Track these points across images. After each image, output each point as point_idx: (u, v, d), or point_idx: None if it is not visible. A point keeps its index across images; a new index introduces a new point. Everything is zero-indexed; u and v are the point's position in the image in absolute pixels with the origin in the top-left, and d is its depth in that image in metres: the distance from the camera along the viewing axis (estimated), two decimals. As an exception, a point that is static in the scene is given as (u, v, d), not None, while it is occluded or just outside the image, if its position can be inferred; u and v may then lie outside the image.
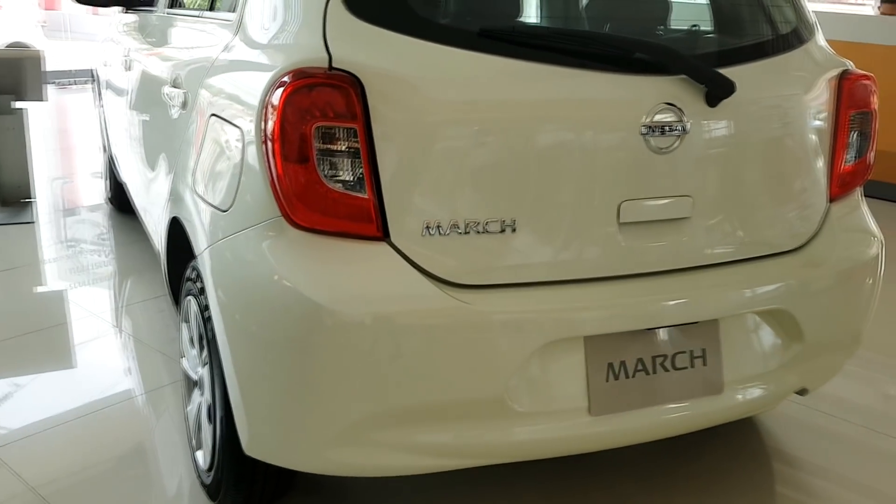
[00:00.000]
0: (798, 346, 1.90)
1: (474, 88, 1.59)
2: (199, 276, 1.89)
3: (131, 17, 3.29)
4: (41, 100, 4.25)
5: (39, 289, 3.43)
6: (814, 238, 1.96)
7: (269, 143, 1.53)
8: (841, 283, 1.94)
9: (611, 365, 1.70)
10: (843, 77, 1.98)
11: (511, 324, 1.59)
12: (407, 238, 1.56)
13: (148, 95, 2.50)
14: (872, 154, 2.08)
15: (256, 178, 1.57)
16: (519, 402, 1.62)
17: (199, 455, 2.05)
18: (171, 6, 2.65)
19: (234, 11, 1.91)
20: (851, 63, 2.04)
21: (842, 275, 1.94)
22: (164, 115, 2.21)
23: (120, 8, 3.51)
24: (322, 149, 1.52)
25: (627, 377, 1.71)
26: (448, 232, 1.58)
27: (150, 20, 2.86)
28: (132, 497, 2.06)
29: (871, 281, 2.00)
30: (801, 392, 2.02)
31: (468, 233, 1.59)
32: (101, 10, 3.80)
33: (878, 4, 5.36)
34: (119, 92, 3.22)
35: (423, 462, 1.65)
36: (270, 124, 1.52)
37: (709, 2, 2.03)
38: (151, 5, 3.02)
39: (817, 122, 1.93)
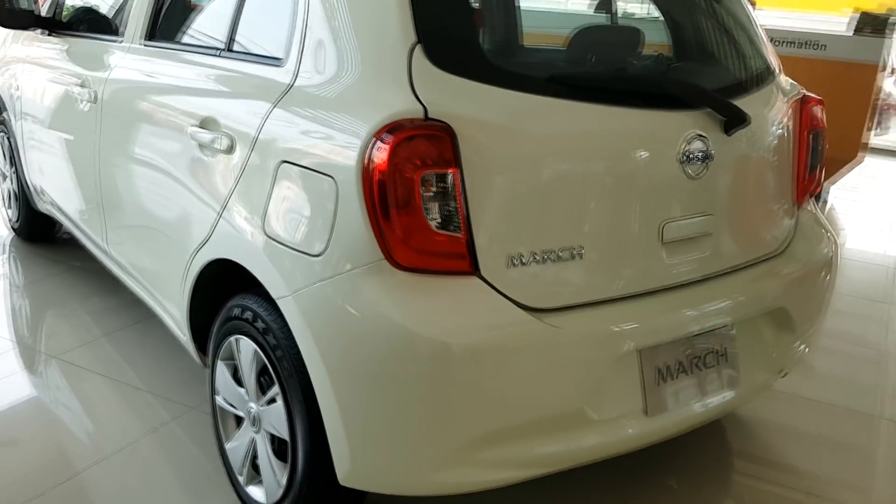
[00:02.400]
0: (789, 336, 2.23)
1: (543, 129, 1.76)
2: (257, 316, 1.93)
3: (76, 44, 3.13)
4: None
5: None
6: (791, 240, 2.29)
7: (375, 193, 1.62)
8: (816, 275, 2.29)
9: (659, 370, 1.93)
10: (802, 101, 2.32)
11: (591, 340, 1.78)
12: (494, 270, 1.71)
13: (148, 135, 2.42)
14: (822, 165, 2.45)
15: (356, 224, 1.65)
16: (595, 411, 1.82)
17: (256, 490, 2.08)
18: (150, 38, 2.56)
19: (280, 57, 1.93)
20: (804, 88, 2.40)
21: (816, 268, 2.28)
22: (186, 156, 2.18)
23: (39, 30, 3.33)
24: (425, 194, 1.63)
25: (673, 378, 1.95)
26: (529, 262, 1.74)
27: (116, 50, 2.73)
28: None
29: (833, 269, 2.37)
30: (783, 374, 2.35)
31: (545, 261, 1.76)
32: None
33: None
34: (63, 124, 3.05)
35: (515, 474, 1.79)
36: (375, 175, 1.61)
37: (711, 43, 2.30)
38: (106, 33, 2.90)
39: (788, 141, 2.25)
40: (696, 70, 2.21)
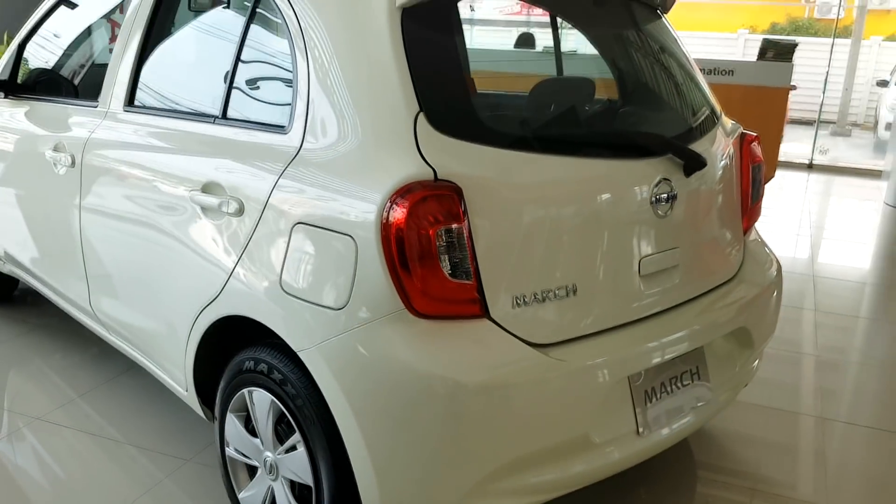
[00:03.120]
0: (749, 352, 2.47)
1: (534, 181, 1.95)
2: (273, 368, 2.05)
3: (40, 107, 3.16)
4: None
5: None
6: (742, 265, 2.54)
7: (393, 249, 1.77)
8: (768, 295, 2.55)
9: (646, 392, 2.13)
10: (743, 138, 2.59)
11: (592, 369, 1.97)
12: (502, 312, 1.88)
13: (138, 199, 2.48)
14: (762, 195, 2.72)
15: (376, 278, 1.79)
16: (597, 435, 2.00)
17: (277, 534, 2.18)
18: (130, 103, 2.63)
19: (283, 125, 2.06)
20: (741, 126, 2.67)
21: (767, 289, 2.54)
22: (187, 219, 2.26)
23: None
24: (439, 248, 1.79)
25: (658, 399, 2.16)
26: (531, 301, 1.92)
27: (93, 114, 2.79)
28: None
29: (780, 288, 2.63)
30: (745, 385, 2.60)
31: (544, 300, 1.94)
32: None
33: None
34: (33, 187, 3.07)
35: (530, 500, 1.96)
36: (394, 233, 1.76)
37: (664, 96, 2.54)
38: (73, 96, 2.94)
39: (733, 176, 2.51)
40: (656, 119, 2.45)
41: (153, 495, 2.53)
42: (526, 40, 6.96)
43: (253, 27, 2.26)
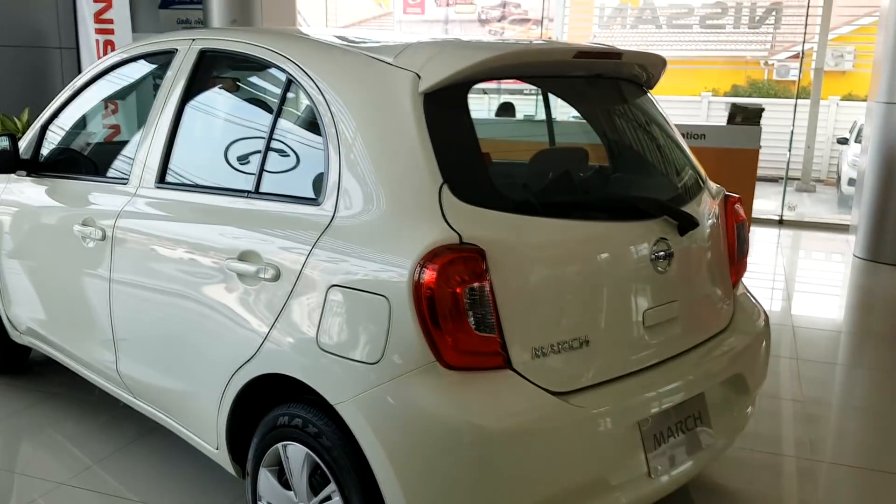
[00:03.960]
0: (745, 397, 2.66)
1: (547, 243, 2.16)
2: (307, 422, 2.19)
3: (65, 184, 3.33)
4: None
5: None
6: (734, 316, 2.75)
7: (424, 307, 1.95)
8: (759, 343, 2.75)
9: (654, 436, 2.30)
10: (727, 200, 2.83)
11: (608, 415, 2.14)
12: (523, 362, 2.06)
13: (173, 269, 2.63)
14: (748, 251, 2.95)
15: (409, 334, 1.97)
16: (613, 478, 2.16)
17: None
18: (161, 180, 2.81)
19: (315, 197, 2.26)
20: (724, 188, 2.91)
21: (758, 338, 2.74)
22: (223, 285, 2.42)
23: (19, 173, 3.50)
24: (466, 304, 1.97)
25: (665, 442, 2.33)
26: (548, 352, 2.10)
27: (124, 191, 2.94)
28: None
29: (769, 337, 2.83)
30: (741, 431, 2.77)
31: (560, 351, 2.13)
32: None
33: None
34: (60, 260, 3.21)
35: None
36: (424, 292, 1.94)
37: (654, 162, 2.79)
38: (97, 174, 3.10)
39: (720, 235, 2.74)
40: (647, 184, 2.68)
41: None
42: (506, 108, 7.31)
43: (284, 109, 2.48)
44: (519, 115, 7.47)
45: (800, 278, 6.91)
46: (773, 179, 12.03)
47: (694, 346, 2.51)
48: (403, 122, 2.12)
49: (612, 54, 2.50)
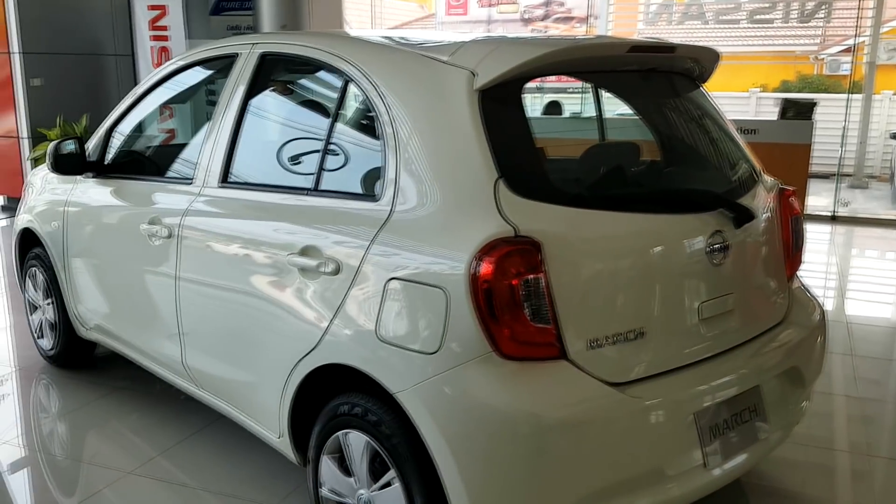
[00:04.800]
0: (801, 391, 2.66)
1: (603, 236, 2.19)
2: (368, 411, 2.26)
3: (131, 185, 3.46)
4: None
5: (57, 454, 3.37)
6: (789, 309, 2.74)
7: (481, 299, 2.00)
8: (815, 336, 2.74)
9: (710, 428, 2.31)
10: (782, 193, 2.82)
11: (664, 406, 2.17)
12: (578, 354, 2.09)
13: (238, 264, 2.72)
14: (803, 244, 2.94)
15: (466, 325, 2.02)
16: (669, 467, 2.19)
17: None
18: (224, 180, 2.91)
19: (374, 193, 2.32)
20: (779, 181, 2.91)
21: (814, 331, 2.73)
22: (285, 280, 2.51)
23: (86, 175, 3.65)
24: (523, 296, 2.02)
25: (721, 435, 2.34)
26: (603, 344, 2.14)
27: (188, 190, 3.03)
28: None
29: (826, 330, 2.82)
30: (796, 425, 2.77)
31: (616, 343, 2.16)
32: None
33: None
34: (127, 257, 3.34)
35: None
36: (482, 285, 2.00)
37: (708, 156, 2.80)
38: (161, 174, 3.22)
39: (776, 228, 2.73)
40: (702, 177, 2.69)
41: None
42: (553, 107, 7.34)
43: (342, 109, 2.55)
44: (566, 114, 7.48)
45: (853, 275, 6.79)
46: (825, 176, 11.80)
47: (750, 339, 2.52)
48: (460, 118, 2.17)
49: (666, 48, 2.52)
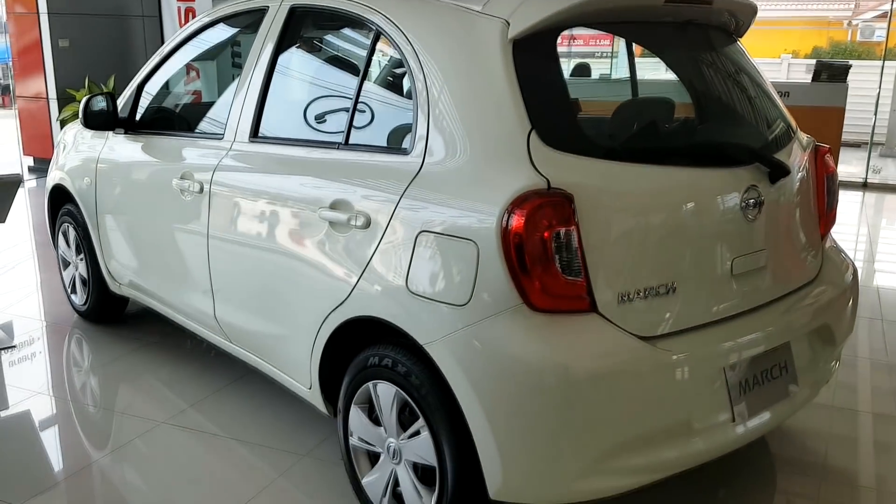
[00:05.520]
0: (831, 349, 2.64)
1: (635, 189, 2.17)
2: (397, 362, 2.28)
3: (161, 141, 3.48)
4: (2, 221, 4.18)
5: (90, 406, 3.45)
6: (822, 268, 2.71)
7: (512, 251, 1.99)
8: (847, 295, 2.71)
9: (740, 383, 2.30)
10: (817, 150, 2.78)
11: (694, 360, 2.16)
12: (608, 307, 2.09)
13: (268, 218, 2.73)
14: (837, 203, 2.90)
15: (497, 277, 2.02)
16: (697, 421, 2.19)
17: (399, 514, 2.40)
18: (254, 135, 2.91)
19: (405, 147, 2.31)
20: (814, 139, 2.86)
21: (846, 289, 2.71)
22: (315, 233, 2.52)
23: (117, 131, 3.67)
24: (555, 248, 2.01)
25: (750, 390, 2.33)
26: (634, 298, 2.13)
27: (218, 146, 3.04)
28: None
29: (857, 289, 2.79)
30: (826, 383, 2.75)
31: (646, 297, 2.15)
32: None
33: None
34: (158, 212, 3.36)
35: (639, 479, 2.13)
36: (513, 237, 1.99)
37: (750, 111, 2.75)
38: (190, 130, 3.22)
39: (810, 186, 2.70)
40: (737, 133, 2.65)
41: (269, 493, 2.75)
42: (581, 69, 7.25)
43: (373, 62, 2.53)
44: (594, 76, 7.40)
45: (883, 241, 6.70)
46: (856, 145, 11.59)
47: (781, 296, 2.50)
48: (492, 69, 2.15)
49: (703, 0, 2.47)
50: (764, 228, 2.40)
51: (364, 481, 2.51)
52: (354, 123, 2.54)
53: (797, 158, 2.62)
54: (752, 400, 2.33)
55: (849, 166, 9.88)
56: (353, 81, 2.60)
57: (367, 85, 2.55)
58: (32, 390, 3.58)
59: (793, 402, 2.48)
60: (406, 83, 2.35)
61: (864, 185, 8.83)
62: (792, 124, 2.75)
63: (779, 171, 2.41)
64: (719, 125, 2.69)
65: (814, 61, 13.45)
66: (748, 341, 2.31)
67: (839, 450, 3.04)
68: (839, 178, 3.06)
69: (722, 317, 2.31)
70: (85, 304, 4.27)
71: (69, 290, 4.43)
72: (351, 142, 2.53)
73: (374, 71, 2.57)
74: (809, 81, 6.48)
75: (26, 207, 7.57)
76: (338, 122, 2.62)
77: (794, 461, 2.96)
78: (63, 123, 8.57)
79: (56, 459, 3.05)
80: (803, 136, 2.79)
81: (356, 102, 2.54)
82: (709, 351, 2.21)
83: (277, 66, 2.89)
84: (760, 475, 2.86)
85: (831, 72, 6.43)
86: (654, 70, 3.32)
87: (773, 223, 2.45)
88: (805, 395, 2.55)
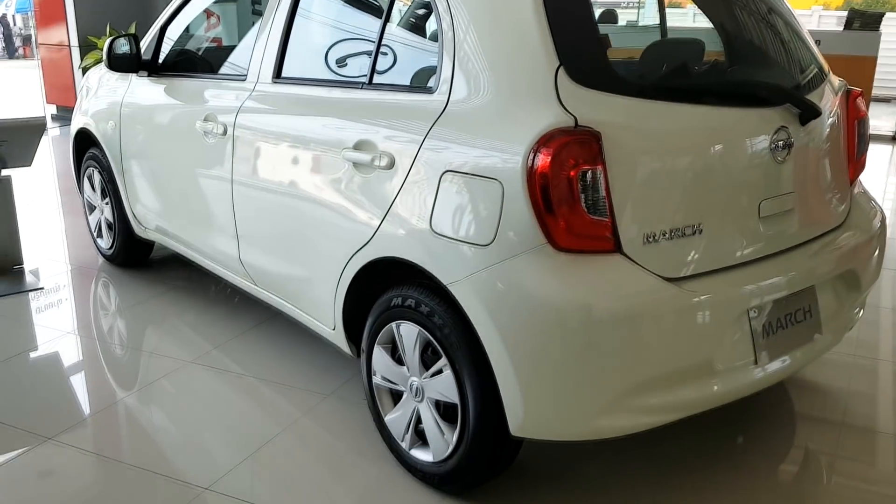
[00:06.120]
0: (856, 295, 2.62)
1: (665, 128, 2.14)
2: (420, 302, 2.29)
3: (184, 83, 3.47)
4: (28, 165, 4.22)
5: (116, 348, 3.51)
6: (850, 213, 2.68)
7: (537, 190, 1.98)
8: (874, 241, 2.68)
9: (764, 326, 2.29)
10: (849, 94, 2.72)
11: (718, 301, 2.15)
12: (633, 248, 2.07)
13: (292, 159, 2.73)
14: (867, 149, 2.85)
15: (521, 216, 2.01)
16: (720, 362, 2.19)
17: (420, 452, 2.42)
18: (277, 76, 2.89)
19: (430, 86, 2.29)
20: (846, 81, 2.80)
21: (873, 235, 2.67)
22: (339, 174, 2.52)
23: (140, 73, 3.67)
24: (581, 188, 2.00)
25: (774, 333, 2.32)
26: (659, 239, 2.11)
27: (242, 88, 3.04)
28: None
29: (884, 235, 2.76)
30: (849, 329, 2.73)
31: (672, 238, 2.13)
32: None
33: None
34: (183, 155, 3.37)
35: (660, 418, 2.14)
36: (538, 176, 1.97)
37: (782, 52, 2.70)
38: (213, 72, 3.20)
39: (841, 129, 2.65)
40: (768, 74, 2.60)
41: (293, 431, 2.79)
42: (608, 15, 7.10)
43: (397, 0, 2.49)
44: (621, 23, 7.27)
45: (914, 195, 6.58)
46: (885, 100, 11.34)
47: (808, 240, 2.47)
48: (520, 3, 2.11)
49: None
50: (793, 171, 2.37)
51: (387, 419, 2.54)
52: (378, 62, 2.52)
53: (828, 101, 2.57)
54: (775, 343, 2.32)
55: (878, 120, 9.70)
56: (377, 20, 2.56)
57: (392, 23, 2.51)
58: (61, 330, 3.65)
59: (815, 346, 2.47)
60: (431, 18, 2.32)
61: (894, 139, 8.67)
62: (824, 66, 2.69)
63: (810, 113, 2.37)
64: (750, 66, 2.64)
65: (845, 13, 13.10)
66: (773, 284, 2.29)
67: (859, 398, 3.03)
68: (870, 131, 2.99)
69: (748, 259, 2.29)
70: (111, 248, 4.32)
71: (95, 235, 4.47)
72: (375, 81, 2.51)
73: (399, 8, 2.53)
74: (841, 30, 6.33)
75: (50, 155, 7.63)
76: (361, 62, 2.60)
77: (814, 408, 2.97)
78: (85, 71, 8.57)
79: (83, 397, 3.12)
80: (835, 80, 2.73)
81: (380, 40, 2.51)
82: (733, 293, 2.20)
83: (300, 6, 2.86)
84: (778, 419, 2.87)
85: (864, 20, 6.26)
86: (681, 19, 3.25)
87: (802, 166, 2.42)
88: (828, 340, 2.54)
